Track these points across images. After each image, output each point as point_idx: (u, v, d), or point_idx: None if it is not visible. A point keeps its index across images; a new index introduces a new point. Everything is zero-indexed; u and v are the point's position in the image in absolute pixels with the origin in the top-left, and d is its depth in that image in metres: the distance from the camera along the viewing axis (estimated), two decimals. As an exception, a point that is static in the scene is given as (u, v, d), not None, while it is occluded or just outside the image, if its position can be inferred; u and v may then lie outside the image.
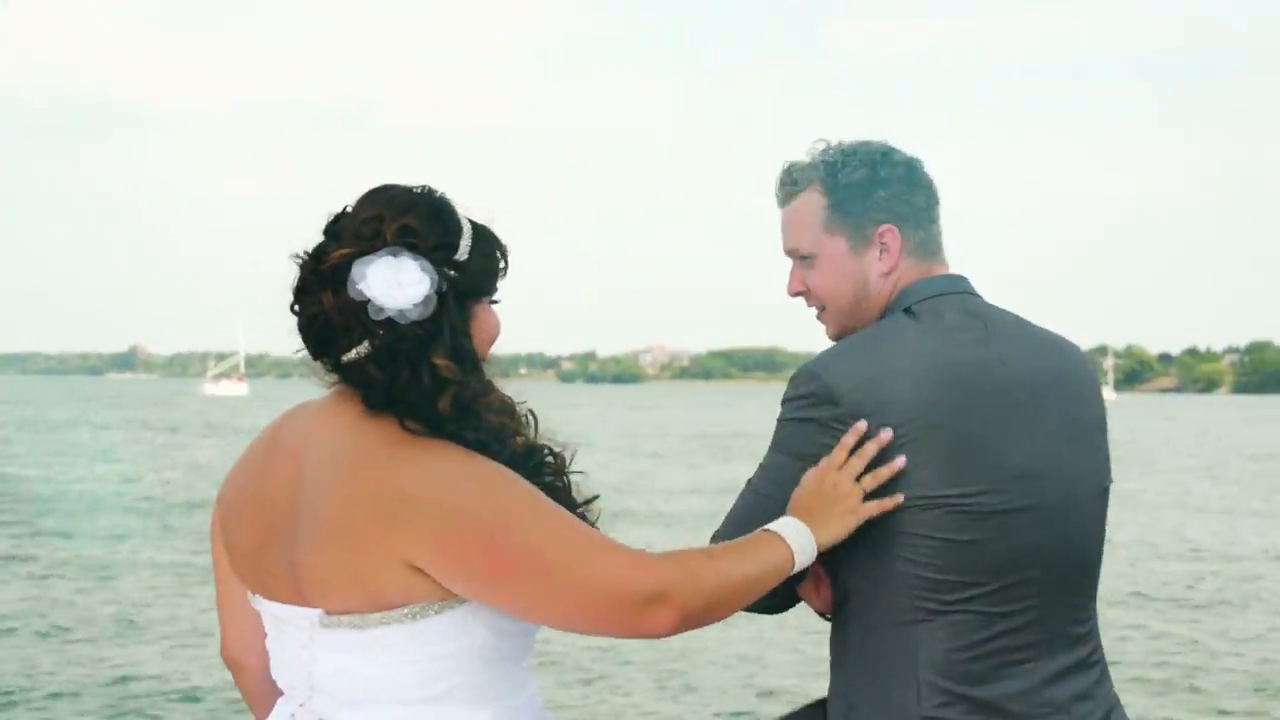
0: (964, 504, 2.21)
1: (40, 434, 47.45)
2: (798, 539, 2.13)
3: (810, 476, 2.22)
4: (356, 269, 1.94)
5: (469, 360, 2.00)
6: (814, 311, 2.52)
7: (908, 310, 2.36)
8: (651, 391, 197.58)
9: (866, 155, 2.44)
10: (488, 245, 2.05)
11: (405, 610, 1.96)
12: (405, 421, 1.96)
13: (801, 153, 2.52)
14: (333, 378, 2.03)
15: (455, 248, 2.00)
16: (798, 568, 2.14)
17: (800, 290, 2.50)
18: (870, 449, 2.19)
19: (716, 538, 2.27)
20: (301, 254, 2.00)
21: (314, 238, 2.02)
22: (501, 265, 2.06)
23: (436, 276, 1.96)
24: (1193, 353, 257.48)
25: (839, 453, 2.21)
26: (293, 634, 2.04)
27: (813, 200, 2.45)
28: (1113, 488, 2.42)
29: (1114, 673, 2.42)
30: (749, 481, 2.34)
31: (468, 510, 1.91)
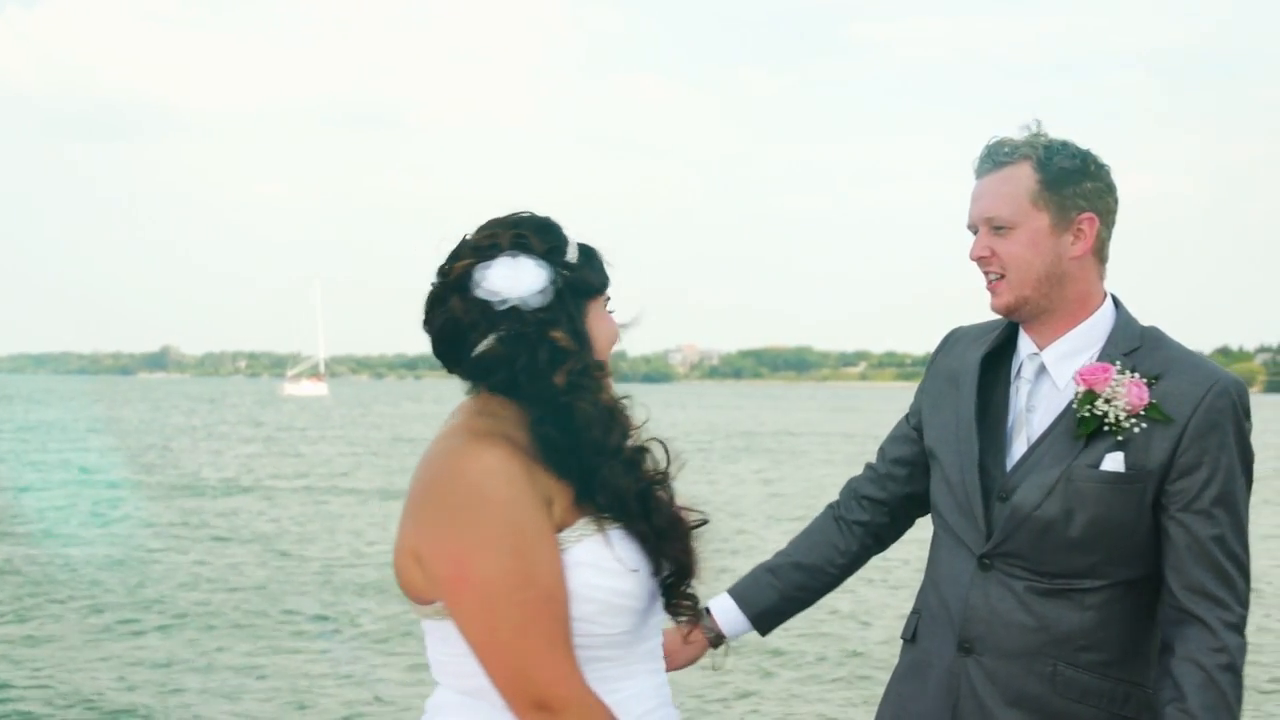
0: None
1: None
2: None
3: None
4: (477, 272, 2.14)
5: (585, 341, 2.17)
6: (988, 280, 2.64)
7: None
8: (689, 390, 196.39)
9: (1078, 148, 2.62)
10: (593, 255, 2.24)
11: (433, 607, 2.12)
12: (525, 403, 2.13)
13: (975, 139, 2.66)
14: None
15: (564, 251, 2.19)
16: None
17: (984, 255, 2.63)
18: None
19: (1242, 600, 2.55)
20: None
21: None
22: (607, 275, 2.25)
23: (551, 271, 2.16)
24: (1224, 352, 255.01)
25: None
26: None
27: (1023, 173, 2.60)
28: None
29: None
30: (1241, 522, 2.60)
31: (453, 519, 2.05)
